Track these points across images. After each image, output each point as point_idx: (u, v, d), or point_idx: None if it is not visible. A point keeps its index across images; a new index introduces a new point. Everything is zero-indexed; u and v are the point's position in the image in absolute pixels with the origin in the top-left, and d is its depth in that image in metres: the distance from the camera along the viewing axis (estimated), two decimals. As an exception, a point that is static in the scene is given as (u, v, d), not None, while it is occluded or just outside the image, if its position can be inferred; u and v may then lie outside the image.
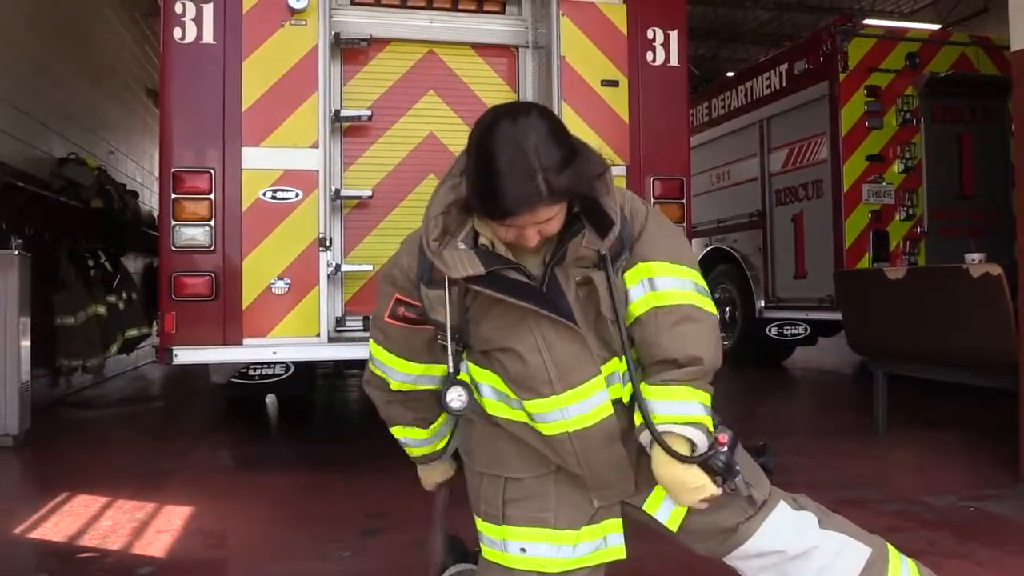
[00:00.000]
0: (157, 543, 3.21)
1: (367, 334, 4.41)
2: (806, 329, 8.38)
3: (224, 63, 4.22)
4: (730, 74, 10.56)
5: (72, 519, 3.55)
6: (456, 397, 1.76)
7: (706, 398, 1.71)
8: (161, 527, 3.41)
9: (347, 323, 4.48)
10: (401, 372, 1.89)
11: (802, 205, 7.85)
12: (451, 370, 1.77)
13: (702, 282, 1.80)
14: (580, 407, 1.74)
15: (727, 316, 9.14)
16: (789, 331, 8.44)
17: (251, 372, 5.31)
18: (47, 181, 6.95)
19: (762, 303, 8.43)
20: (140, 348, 8.83)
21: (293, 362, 5.03)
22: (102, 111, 8.90)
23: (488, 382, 1.82)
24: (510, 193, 1.55)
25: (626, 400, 1.81)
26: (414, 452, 2.08)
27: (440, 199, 1.73)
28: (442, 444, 2.07)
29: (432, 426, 2.01)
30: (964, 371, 4.39)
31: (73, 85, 7.83)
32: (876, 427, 4.99)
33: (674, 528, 1.81)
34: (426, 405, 1.96)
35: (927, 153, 7.24)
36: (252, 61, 4.24)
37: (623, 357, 1.76)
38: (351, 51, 4.54)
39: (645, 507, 1.83)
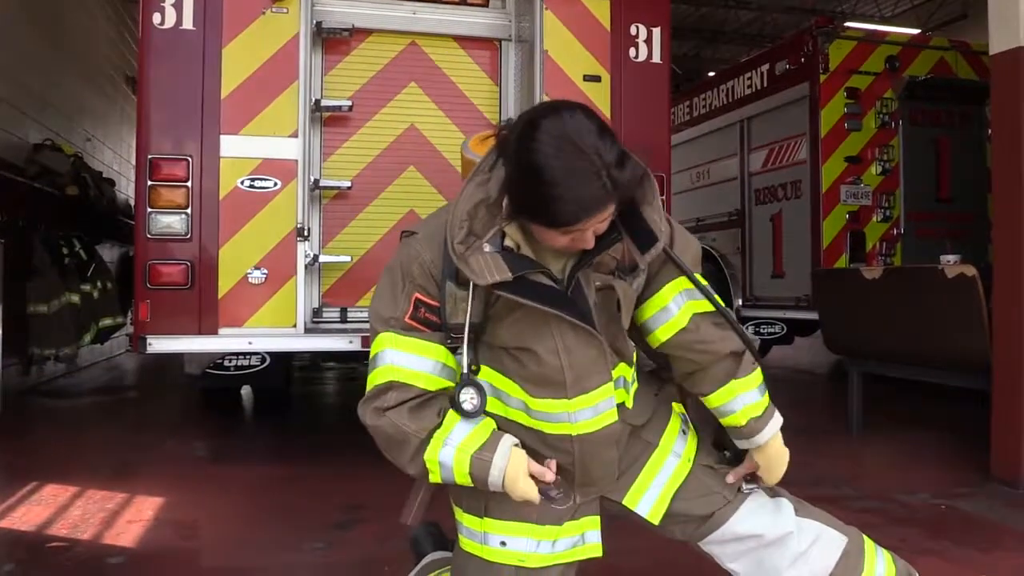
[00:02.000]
0: (128, 533, 3.18)
1: (344, 326, 4.43)
2: (783, 328, 8.43)
3: (203, 50, 4.16)
4: (712, 74, 10.61)
5: (41, 508, 3.50)
6: (468, 399, 1.68)
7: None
8: (132, 517, 3.37)
9: (324, 314, 4.45)
10: (440, 363, 1.71)
11: (781, 205, 7.89)
12: (465, 370, 1.69)
13: None
14: (588, 412, 1.73)
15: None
16: (766, 330, 8.48)
17: (226, 363, 5.26)
18: (22, 167, 6.85)
19: (740, 302, 8.47)
20: (115, 338, 8.73)
21: (269, 353, 4.98)
22: (79, 98, 8.78)
23: (486, 379, 1.78)
24: (576, 198, 1.48)
25: (629, 404, 1.82)
26: (470, 444, 1.67)
27: (468, 197, 1.65)
28: (494, 423, 1.75)
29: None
30: (938, 371, 4.43)
31: (50, 71, 7.72)
32: (850, 426, 5.03)
33: (656, 521, 1.83)
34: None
35: (905, 156, 7.30)
36: (232, 48, 4.20)
37: (632, 363, 1.83)
38: (332, 41, 4.50)
39: (626, 502, 1.83)
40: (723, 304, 1.81)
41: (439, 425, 1.67)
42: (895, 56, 7.32)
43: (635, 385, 1.88)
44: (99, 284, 7.76)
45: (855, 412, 5.01)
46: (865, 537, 1.91)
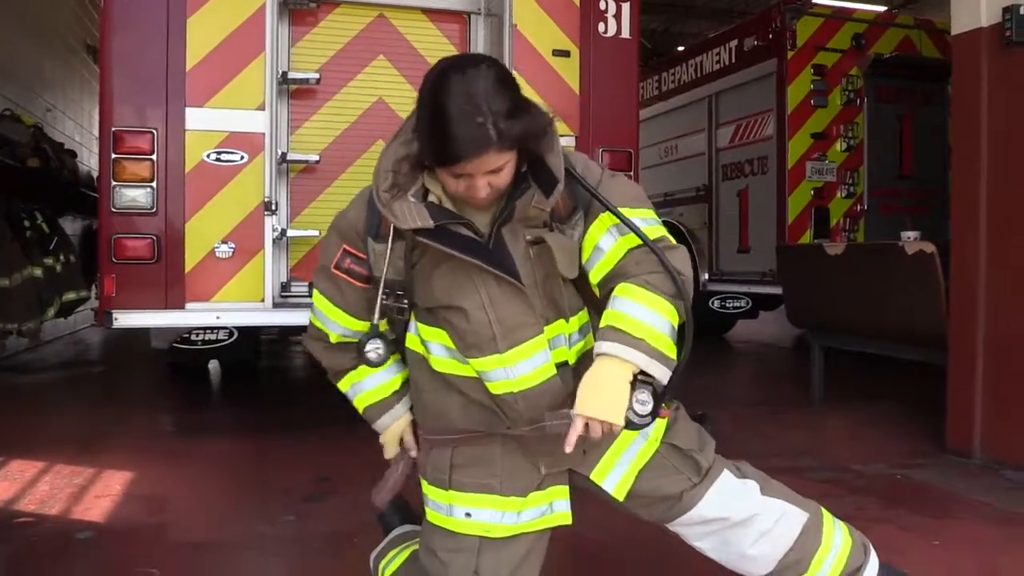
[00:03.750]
0: (96, 508, 3.17)
1: (312, 300, 4.42)
2: (748, 303, 8.55)
3: (168, 20, 4.10)
4: (681, 48, 10.62)
5: (8, 484, 3.48)
6: (373, 349, 1.83)
7: (674, 317, 1.66)
8: (100, 492, 3.37)
9: (292, 289, 4.44)
10: (342, 326, 1.90)
11: (747, 180, 7.97)
12: (373, 322, 1.82)
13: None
14: (524, 366, 1.75)
15: (672, 289, 9.28)
16: (731, 304, 8.60)
17: (193, 337, 5.24)
18: (-21, 138, 6.70)
19: (706, 276, 8.56)
20: (79, 311, 8.62)
21: (237, 327, 4.96)
22: (39, 67, 8.59)
23: (438, 340, 1.82)
24: (460, 137, 1.56)
25: (572, 362, 1.81)
26: (366, 399, 1.98)
27: (391, 154, 1.74)
28: (398, 383, 1.98)
29: (385, 363, 1.92)
30: (897, 345, 4.54)
31: (8, 40, 7.53)
32: (812, 398, 5.14)
33: (620, 497, 1.85)
34: None
35: (869, 133, 7.39)
36: (197, 18, 4.13)
37: (570, 319, 1.79)
38: (300, 12, 4.45)
39: (592, 476, 1.85)
40: (651, 238, 1.67)
41: (353, 368, 1.95)
42: (861, 34, 7.39)
43: (582, 344, 1.85)
44: (62, 257, 7.63)
45: (817, 384, 5.12)
46: (824, 510, 1.97)
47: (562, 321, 1.79)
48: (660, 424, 1.87)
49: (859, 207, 7.46)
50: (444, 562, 1.85)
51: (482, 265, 1.69)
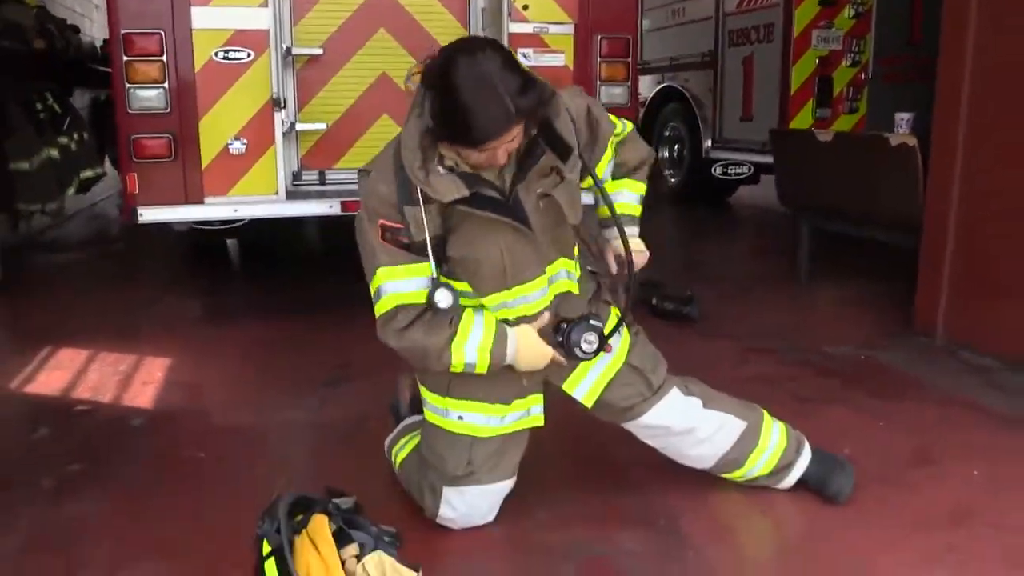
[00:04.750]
0: (143, 396, 3.53)
1: (324, 188, 4.66)
2: (750, 169, 8.66)
3: (169, -82, 4.13)
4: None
5: (62, 373, 3.82)
6: (443, 298, 2.00)
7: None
8: (145, 379, 3.72)
9: (304, 177, 4.69)
10: (422, 278, 2.01)
11: (753, 48, 7.92)
12: (434, 275, 2.02)
13: None
14: (524, 299, 2.12)
15: (675, 155, 9.41)
16: (733, 171, 8.71)
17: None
18: (-16, 24, 6.71)
19: (709, 143, 8.65)
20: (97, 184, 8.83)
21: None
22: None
23: (460, 288, 2.14)
24: (483, 122, 1.79)
25: (576, 291, 2.22)
26: (486, 343, 2.05)
27: (412, 131, 1.95)
28: (492, 318, 2.12)
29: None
30: (879, 228, 4.75)
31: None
32: (799, 276, 5.39)
33: (589, 404, 2.26)
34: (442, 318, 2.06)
35: (879, -2, 7.28)
36: (197, -84, 4.16)
37: (574, 257, 2.23)
38: (299, -100, 4.44)
39: (564, 387, 2.25)
40: (609, 197, 2.20)
41: (455, 333, 2.03)
42: None
43: (579, 274, 2.26)
44: (75, 136, 7.80)
45: (804, 263, 5.37)
46: (765, 414, 2.35)
47: (564, 259, 2.16)
48: (624, 345, 2.26)
49: (863, 76, 7.46)
50: (442, 456, 2.23)
51: (509, 222, 1.99)
